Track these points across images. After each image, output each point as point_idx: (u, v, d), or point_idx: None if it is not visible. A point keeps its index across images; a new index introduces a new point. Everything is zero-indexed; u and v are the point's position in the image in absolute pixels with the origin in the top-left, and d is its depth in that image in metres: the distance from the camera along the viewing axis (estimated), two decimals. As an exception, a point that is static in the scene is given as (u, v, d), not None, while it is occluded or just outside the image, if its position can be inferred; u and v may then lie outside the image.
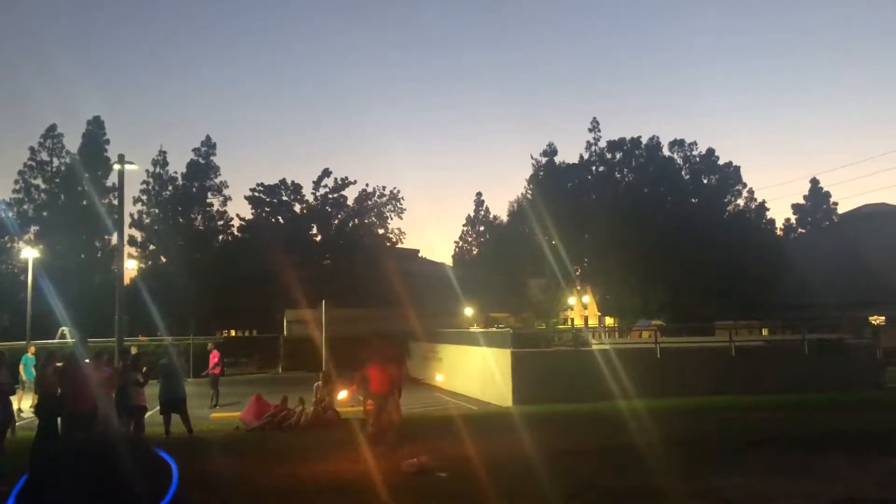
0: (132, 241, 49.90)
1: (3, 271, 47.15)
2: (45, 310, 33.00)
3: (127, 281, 31.37)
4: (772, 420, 15.15)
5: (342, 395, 15.10)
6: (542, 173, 43.81)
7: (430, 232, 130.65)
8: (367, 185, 56.48)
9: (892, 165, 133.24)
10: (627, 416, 15.21)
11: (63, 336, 32.21)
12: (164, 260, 50.74)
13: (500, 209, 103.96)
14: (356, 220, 55.23)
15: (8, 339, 29.92)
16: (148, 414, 14.50)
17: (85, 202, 47.30)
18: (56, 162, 49.88)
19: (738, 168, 42.81)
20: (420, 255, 60.22)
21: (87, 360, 11.13)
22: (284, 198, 54.07)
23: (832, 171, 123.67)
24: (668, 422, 14.79)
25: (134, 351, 16.83)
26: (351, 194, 55.07)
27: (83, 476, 0.90)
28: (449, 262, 66.31)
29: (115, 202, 33.73)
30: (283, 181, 54.05)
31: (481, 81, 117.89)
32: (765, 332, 29.17)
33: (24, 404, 11.27)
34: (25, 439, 11.21)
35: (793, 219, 62.80)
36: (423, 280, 46.88)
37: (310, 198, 54.29)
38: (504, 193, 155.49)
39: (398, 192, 55.98)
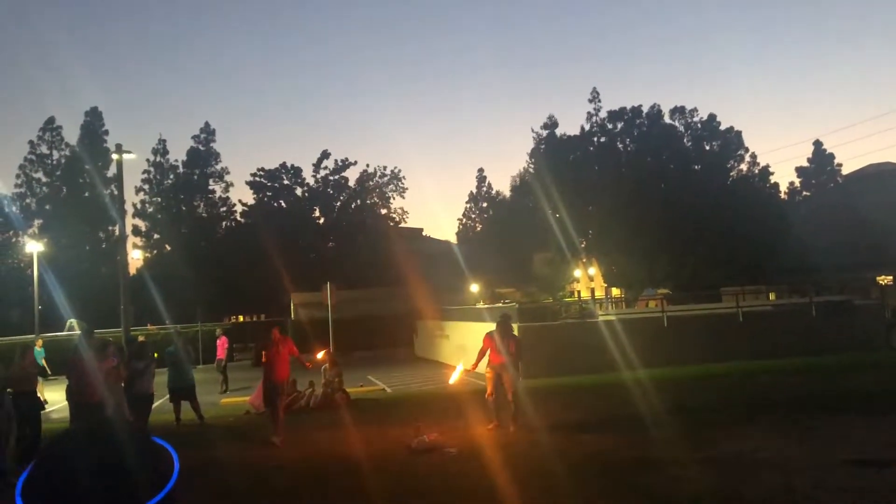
0: (136, 231, 50.00)
1: (9, 266, 47.28)
2: (53, 303, 33.18)
3: (133, 270, 31.51)
4: (781, 384, 15.16)
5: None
6: (543, 146, 43.53)
7: (433, 210, 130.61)
8: (367, 165, 56.62)
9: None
10: (636, 386, 15.24)
11: (72, 328, 32.38)
12: (168, 248, 50.80)
13: (502, 184, 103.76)
14: (358, 202, 55.16)
15: (18, 333, 30.05)
16: (158, 402, 14.58)
17: (87, 194, 47.32)
18: (56, 155, 49.84)
19: (739, 133, 42.49)
20: (424, 233, 60.25)
21: (92, 351, 11.15)
22: (286, 181, 53.98)
23: (836, 132, 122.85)
24: (677, 390, 14.82)
25: (141, 339, 16.88)
26: (352, 175, 55.07)
27: (87, 463, 0.91)
28: (453, 239, 66.35)
29: (117, 192, 33.76)
30: (283, 165, 53.96)
31: (480, 55, 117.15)
32: (772, 296, 29.11)
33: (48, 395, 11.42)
34: (46, 431, 11.27)
35: (797, 182, 62.44)
36: (428, 258, 46.90)
37: (311, 181, 54.23)
38: (506, 168, 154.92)
39: (399, 171, 55.92)
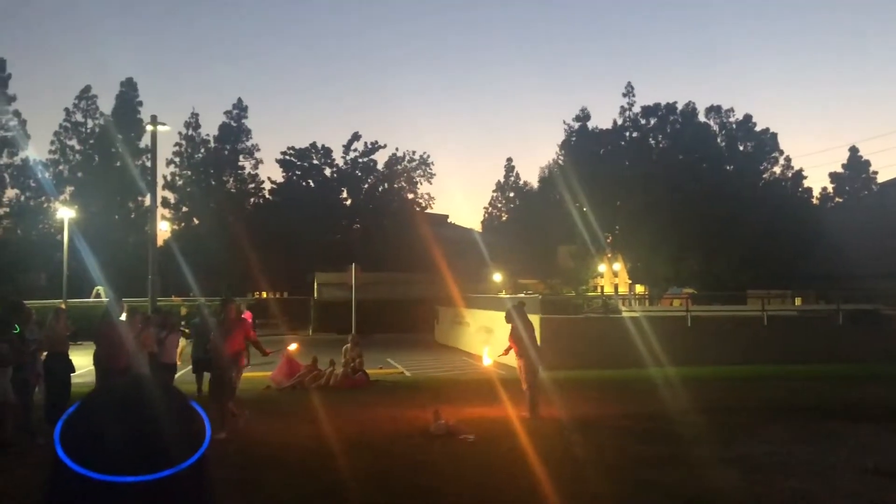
0: (165, 203, 50.47)
1: (40, 231, 48.00)
2: (81, 269, 33.67)
3: (160, 242, 31.85)
4: (803, 390, 14.99)
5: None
6: (574, 139, 43.28)
7: (460, 197, 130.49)
8: (396, 149, 56.46)
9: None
10: (656, 384, 15.16)
11: (98, 295, 32.85)
12: (196, 222, 51.29)
13: (530, 175, 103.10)
14: (386, 185, 55.28)
15: (45, 297, 30.54)
16: (180, 372, 14.76)
17: (119, 163, 47.83)
18: (90, 123, 50.43)
19: (775, 135, 41.96)
20: (449, 220, 60.25)
21: (121, 318, 11.31)
22: (315, 161, 54.21)
23: (872, 140, 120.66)
24: (698, 390, 14.71)
25: (184, 310, 17.19)
26: (381, 158, 55.10)
27: (125, 415, 0.91)
28: (478, 227, 66.28)
29: (149, 164, 34.11)
30: (313, 144, 54.19)
31: (513, 44, 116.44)
32: (798, 301, 28.77)
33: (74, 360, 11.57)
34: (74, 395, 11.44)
35: (830, 188, 61.58)
36: (452, 245, 46.90)
37: (340, 162, 54.40)
38: (535, 159, 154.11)
39: (428, 156, 55.92)
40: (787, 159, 42.72)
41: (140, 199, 49.20)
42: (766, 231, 36.16)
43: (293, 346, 15.72)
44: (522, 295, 29.37)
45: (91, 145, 49.66)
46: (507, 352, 12.66)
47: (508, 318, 12.37)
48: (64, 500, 0.87)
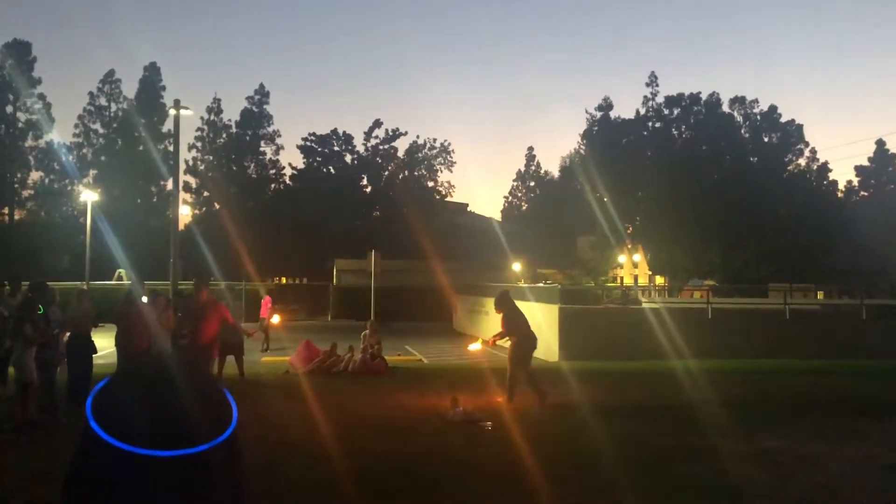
0: (186, 188, 50.80)
1: (63, 214, 48.51)
2: (104, 252, 33.96)
3: (181, 226, 32.03)
4: (824, 385, 14.82)
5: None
6: (596, 128, 42.95)
7: (480, 186, 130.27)
8: (417, 136, 56.36)
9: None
10: (676, 376, 15.06)
11: (120, 278, 33.17)
12: (217, 206, 51.58)
13: (551, 165, 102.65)
14: (406, 172, 55.23)
15: (69, 279, 30.86)
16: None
17: (141, 147, 48.19)
18: (114, 107, 50.84)
19: (800, 126, 41.39)
20: (469, 209, 60.14)
21: (144, 300, 11.39)
22: (336, 148, 54.26)
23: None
24: (718, 382, 14.59)
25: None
26: (401, 146, 55.05)
27: (154, 392, 0.91)
28: (498, 216, 66.12)
29: (171, 148, 34.32)
30: (334, 131, 54.25)
31: (536, 33, 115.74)
32: (820, 295, 28.45)
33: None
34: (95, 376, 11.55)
35: (855, 181, 60.72)
36: (472, 234, 46.87)
37: (361, 148, 54.41)
38: (556, 148, 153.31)
39: (448, 144, 55.75)
40: (813, 151, 42.20)
41: (162, 183, 49.57)
42: (790, 224, 35.77)
43: (276, 319, 15.75)
44: (542, 284, 29.29)
45: (114, 129, 50.06)
46: (498, 337, 12.65)
47: (500, 305, 12.39)
48: (94, 474, 0.86)
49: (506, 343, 12.67)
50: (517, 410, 11.24)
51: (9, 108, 46.66)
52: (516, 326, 12.17)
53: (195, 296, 11.01)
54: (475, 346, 13.45)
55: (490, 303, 25.84)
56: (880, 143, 60.58)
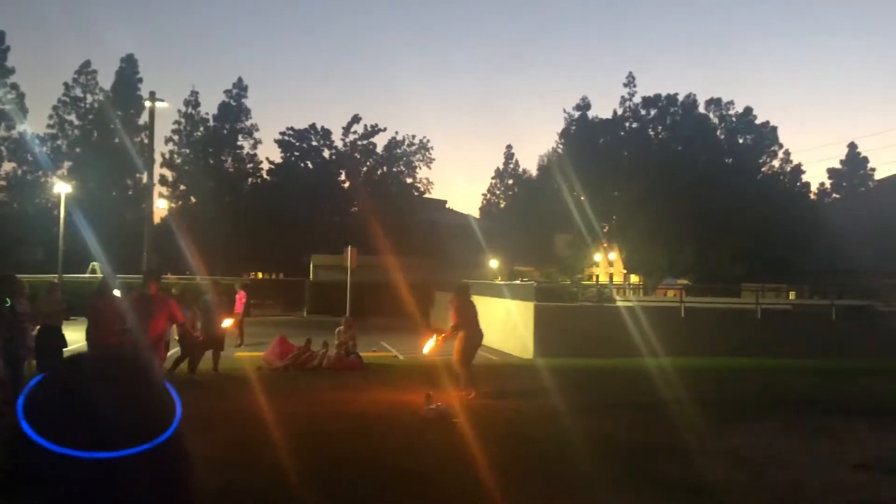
0: (163, 181, 50.28)
1: (36, 206, 47.85)
2: (78, 245, 33.55)
3: (158, 220, 31.78)
4: (795, 383, 15.04)
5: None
6: (573, 127, 43.12)
7: (458, 183, 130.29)
8: (396, 133, 56.22)
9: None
10: (649, 374, 15.20)
11: (94, 271, 32.80)
12: (193, 200, 51.14)
13: (530, 163, 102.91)
14: (385, 168, 55.10)
15: (42, 272, 30.46)
16: (172, 351, 14.73)
17: (117, 140, 47.62)
18: (90, 98, 50.17)
19: (775, 128, 41.83)
20: (447, 205, 60.15)
21: (116, 292, 11.29)
22: (314, 143, 53.97)
23: (871, 136, 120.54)
24: (690, 380, 14.75)
25: (175, 291, 17.15)
26: (380, 142, 54.88)
27: (94, 388, 0.88)
28: (476, 213, 66.22)
29: (147, 141, 33.96)
30: (312, 126, 53.90)
31: (514, 31, 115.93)
32: (792, 295, 28.81)
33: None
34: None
35: (828, 183, 61.58)
36: (450, 231, 46.90)
37: (339, 144, 54.19)
38: (534, 147, 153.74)
39: (427, 141, 55.67)
40: (787, 153, 42.66)
41: (138, 176, 48.97)
42: (764, 225, 36.12)
43: (227, 322, 15.02)
44: (519, 281, 29.40)
45: (90, 121, 49.43)
46: (451, 332, 12.68)
47: (457, 298, 12.55)
48: (27, 475, 0.84)
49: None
50: (491, 406, 11.30)
51: (-19, 98, 45.90)
52: (469, 321, 12.34)
53: (143, 289, 10.73)
54: (429, 345, 13.29)
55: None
56: (852, 146, 61.53)
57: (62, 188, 31.23)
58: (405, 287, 32.83)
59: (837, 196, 59.10)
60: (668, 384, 13.79)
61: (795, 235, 36.86)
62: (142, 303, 10.47)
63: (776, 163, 42.46)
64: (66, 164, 48.47)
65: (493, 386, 12.95)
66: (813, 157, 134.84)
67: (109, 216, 43.69)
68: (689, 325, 20.51)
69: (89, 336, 10.89)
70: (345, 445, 8.61)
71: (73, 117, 49.61)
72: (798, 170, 42.53)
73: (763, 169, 42.04)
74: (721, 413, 11.14)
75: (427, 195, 55.87)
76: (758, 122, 42.13)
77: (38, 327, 10.55)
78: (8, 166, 47.34)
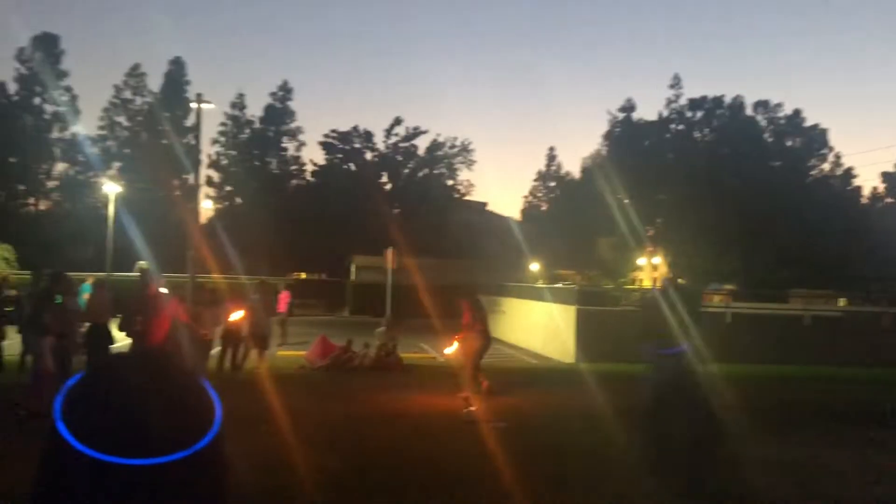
0: (209, 182, 51.12)
1: (87, 205, 49.00)
2: (126, 244, 34.24)
3: (203, 220, 32.26)
4: (843, 393, 14.63)
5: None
6: (618, 129, 42.81)
7: (500, 185, 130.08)
8: (438, 135, 56.35)
9: None
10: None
11: (140, 270, 33.41)
12: (239, 201, 51.87)
13: (572, 165, 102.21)
14: (426, 170, 55.23)
15: (92, 270, 31.15)
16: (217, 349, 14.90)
17: (165, 141, 48.55)
18: (139, 100, 51.25)
19: (824, 131, 40.92)
20: (488, 208, 60.04)
21: (164, 291, 11.43)
22: (356, 145, 54.37)
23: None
24: (734, 388, 14.39)
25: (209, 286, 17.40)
26: (422, 144, 55.05)
27: (134, 391, 0.86)
28: (517, 216, 65.92)
29: (194, 142, 34.55)
30: (355, 128, 54.35)
31: (560, 33, 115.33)
32: (841, 302, 28.10)
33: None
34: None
35: (881, 188, 59.87)
36: (490, 233, 46.76)
37: (381, 146, 54.48)
38: (577, 149, 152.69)
39: (469, 143, 55.66)
40: (837, 157, 41.68)
41: (185, 176, 49.86)
42: (812, 229, 35.35)
43: (237, 315, 14.53)
44: (561, 285, 29.17)
45: (139, 122, 50.49)
46: (461, 336, 12.67)
47: (470, 304, 12.60)
48: (60, 479, 0.82)
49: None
50: (532, 411, 11.21)
51: (36, 100, 47.23)
52: (483, 324, 12.53)
53: (143, 290, 10.77)
54: (452, 348, 13.24)
55: (507, 302, 25.87)
56: (907, 150, 59.69)
57: (111, 188, 31.94)
58: (445, 289, 32.83)
59: (892, 201, 57.46)
60: (713, 391, 13.49)
61: (845, 241, 35.99)
62: (144, 302, 10.57)
63: (826, 166, 41.54)
64: (116, 164, 49.55)
65: (532, 390, 12.84)
66: (866, 160, 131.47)
67: (157, 216, 44.52)
68: (736, 331, 20.09)
69: (132, 330, 10.91)
70: (382, 446, 8.61)
71: (122, 119, 50.74)
72: (849, 174, 41.51)
73: (812, 173, 41.14)
74: (768, 422, 10.89)
75: (468, 197, 55.87)
76: (807, 124, 41.23)
77: (87, 324, 10.76)
78: (61, 166, 48.59)
